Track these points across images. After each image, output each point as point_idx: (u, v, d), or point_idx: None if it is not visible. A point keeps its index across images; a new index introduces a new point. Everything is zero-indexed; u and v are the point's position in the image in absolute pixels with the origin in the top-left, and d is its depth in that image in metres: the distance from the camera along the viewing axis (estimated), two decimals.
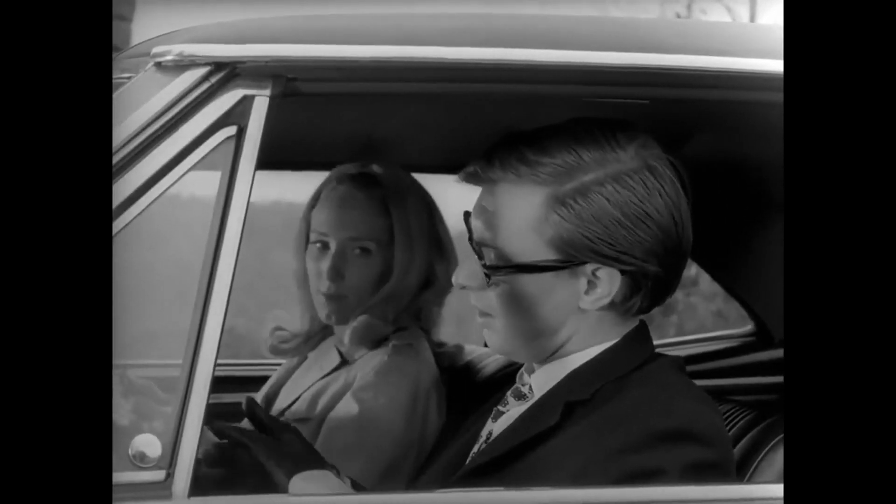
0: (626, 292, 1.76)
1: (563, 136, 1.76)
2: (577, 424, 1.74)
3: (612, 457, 1.68)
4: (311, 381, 2.49)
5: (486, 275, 1.76)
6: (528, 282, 1.75)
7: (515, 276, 1.75)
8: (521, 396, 1.86)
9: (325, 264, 2.44)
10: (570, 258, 1.74)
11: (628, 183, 1.74)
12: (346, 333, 2.43)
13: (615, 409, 1.72)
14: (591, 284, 1.75)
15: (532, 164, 1.74)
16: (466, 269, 1.80)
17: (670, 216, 1.76)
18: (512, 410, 1.86)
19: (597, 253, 1.73)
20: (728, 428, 1.93)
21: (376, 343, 2.43)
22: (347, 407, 2.34)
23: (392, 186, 2.47)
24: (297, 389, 2.51)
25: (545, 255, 1.74)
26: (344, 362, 2.47)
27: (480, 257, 1.78)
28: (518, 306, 1.77)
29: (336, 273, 2.43)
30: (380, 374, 2.36)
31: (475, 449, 1.88)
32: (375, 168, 2.50)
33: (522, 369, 1.88)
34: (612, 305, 1.77)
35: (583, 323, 1.79)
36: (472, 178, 1.80)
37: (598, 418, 1.73)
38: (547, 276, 1.75)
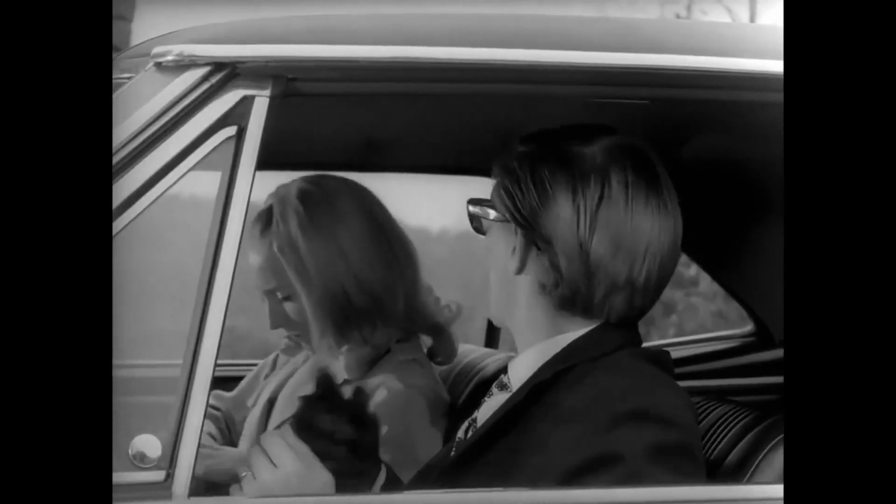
0: (544, 275, 1.82)
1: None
2: (542, 410, 1.78)
3: (572, 444, 1.70)
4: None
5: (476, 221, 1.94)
6: (490, 234, 1.90)
7: (489, 230, 1.91)
8: (502, 387, 1.91)
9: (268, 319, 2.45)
10: (500, 212, 1.87)
11: (552, 161, 1.80)
12: (341, 368, 2.42)
13: (577, 399, 1.75)
14: (514, 250, 1.84)
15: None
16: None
17: (574, 213, 1.80)
18: (492, 399, 1.91)
19: (501, 204, 1.85)
20: (728, 428, 1.93)
21: (374, 360, 2.41)
22: None
23: (278, 217, 2.36)
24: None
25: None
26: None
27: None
28: (489, 254, 1.91)
29: (276, 324, 2.43)
30: (390, 404, 2.30)
31: (459, 434, 1.94)
32: (271, 200, 2.40)
33: (509, 363, 1.93)
34: (543, 290, 1.83)
35: (541, 317, 1.85)
36: None
37: (561, 408, 1.75)
38: (496, 231, 1.88)
